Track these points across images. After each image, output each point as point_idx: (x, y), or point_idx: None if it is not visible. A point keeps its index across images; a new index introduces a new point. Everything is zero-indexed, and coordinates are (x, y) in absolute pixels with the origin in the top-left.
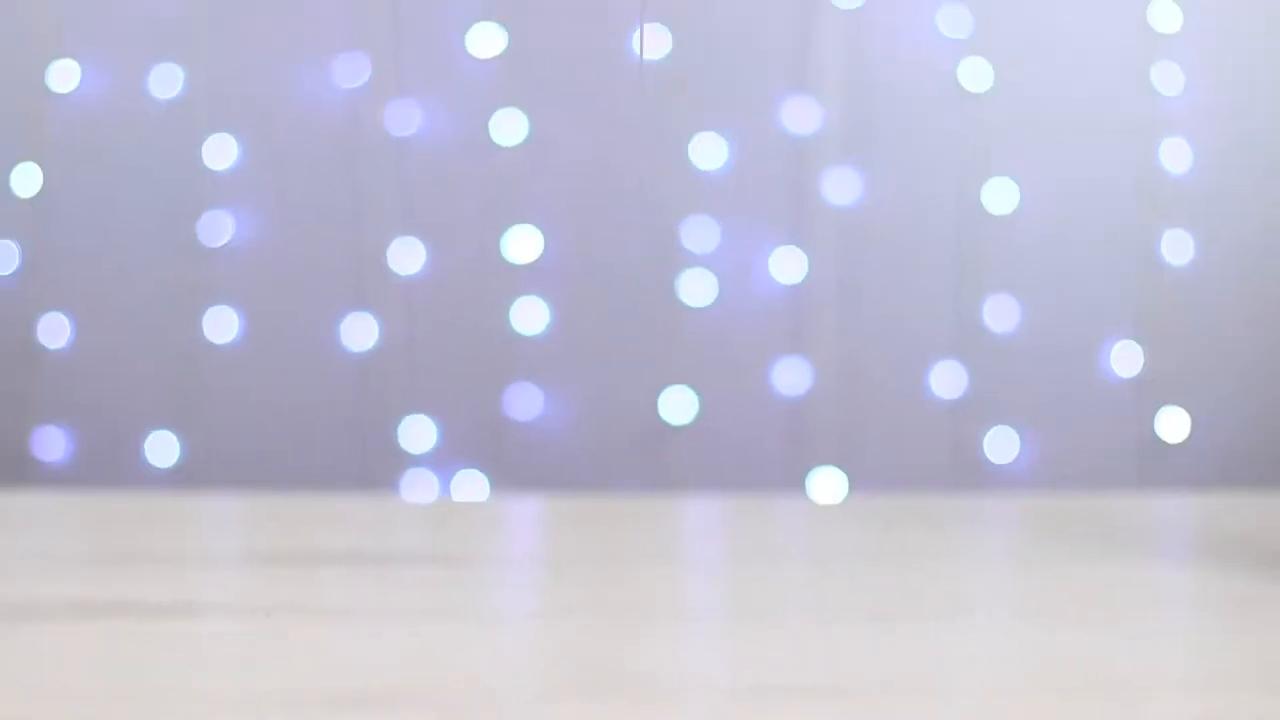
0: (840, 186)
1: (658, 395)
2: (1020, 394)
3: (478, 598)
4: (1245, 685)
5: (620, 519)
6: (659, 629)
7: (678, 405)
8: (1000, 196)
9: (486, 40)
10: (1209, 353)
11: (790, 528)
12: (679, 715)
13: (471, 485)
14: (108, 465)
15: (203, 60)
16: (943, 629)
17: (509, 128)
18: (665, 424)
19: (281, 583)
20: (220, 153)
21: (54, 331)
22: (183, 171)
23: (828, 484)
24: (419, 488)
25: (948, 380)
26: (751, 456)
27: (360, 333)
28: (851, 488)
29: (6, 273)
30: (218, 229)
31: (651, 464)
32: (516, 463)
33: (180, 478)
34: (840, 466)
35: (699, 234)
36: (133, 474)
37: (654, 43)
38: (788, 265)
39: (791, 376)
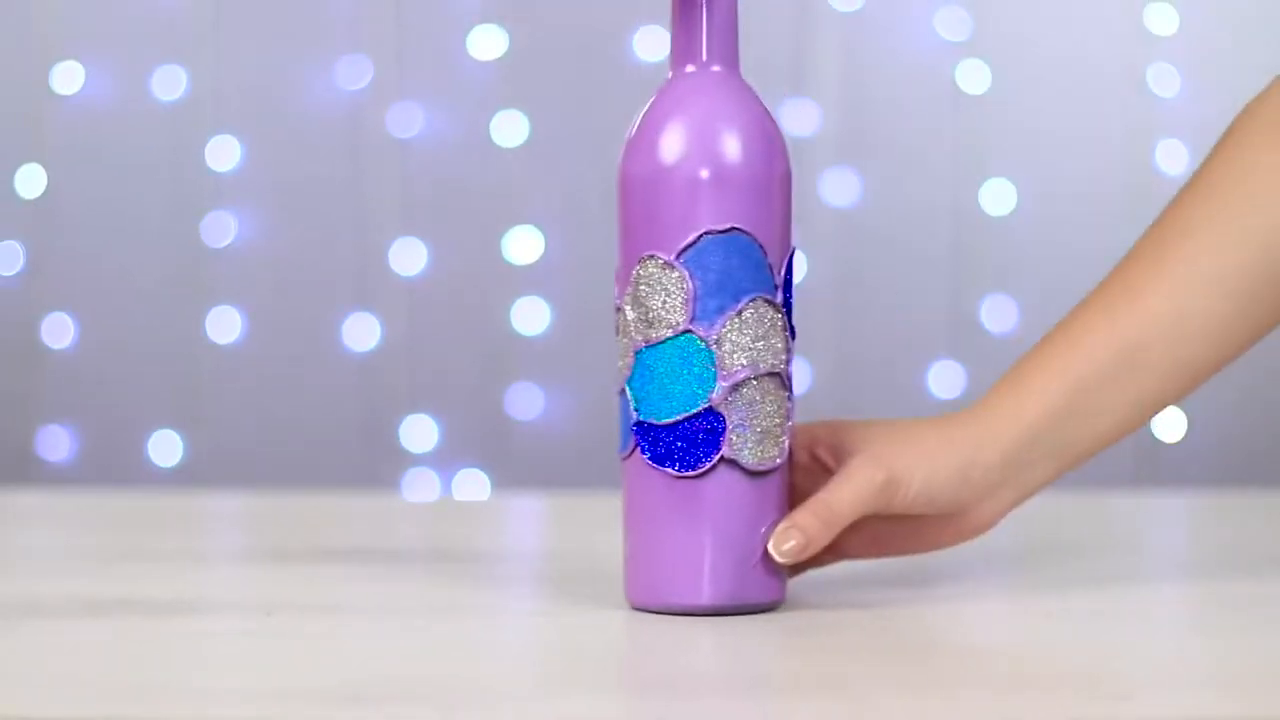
0: (838, 187)
1: None
2: None
3: (478, 596)
4: (1241, 684)
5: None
6: (659, 628)
7: None
8: (997, 197)
9: (487, 42)
10: None
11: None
12: (679, 712)
13: (472, 485)
14: (111, 464)
15: (205, 62)
16: (936, 624)
17: (510, 129)
18: None
19: (283, 581)
20: (223, 154)
21: (57, 331)
22: (185, 172)
23: None
24: (420, 487)
25: (946, 380)
26: None
27: (362, 332)
28: None
29: (10, 273)
30: (220, 229)
31: None
32: (517, 462)
33: (183, 477)
34: None
35: None
36: (136, 473)
37: (653, 45)
38: None
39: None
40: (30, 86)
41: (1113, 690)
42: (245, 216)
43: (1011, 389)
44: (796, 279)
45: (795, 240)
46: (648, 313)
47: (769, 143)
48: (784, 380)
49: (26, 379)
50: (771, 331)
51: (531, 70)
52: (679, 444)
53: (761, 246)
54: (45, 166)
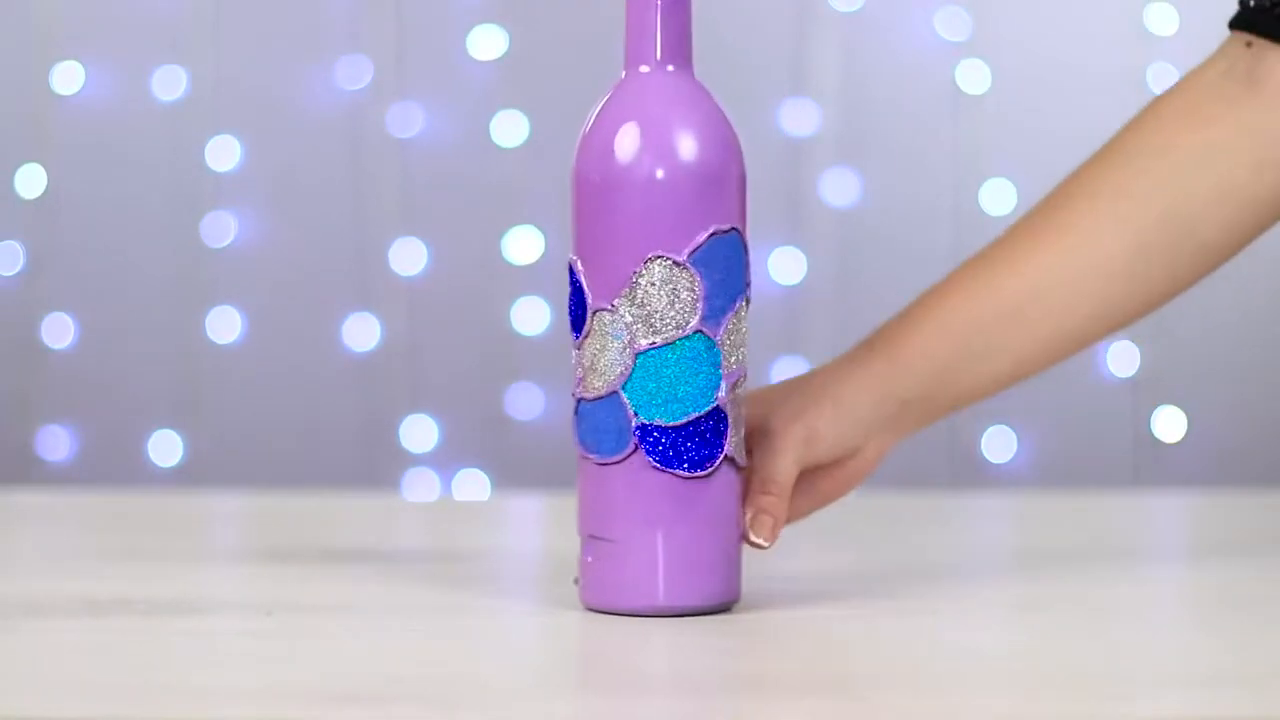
0: (838, 187)
1: None
2: (1017, 393)
3: (478, 596)
4: (1242, 683)
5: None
6: (661, 626)
7: None
8: (997, 197)
9: (487, 42)
10: (1206, 353)
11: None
12: (680, 710)
13: (472, 485)
14: (111, 464)
15: (206, 62)
16: (936, 624)
17: (510, 129)
18: None
19: (283, 580)
20: (223, 154)
21: (57, 331)
22: (186, 172)
23: None
24: (420, 487)
25: None
26: None
27: (362, 332)
28: None
29: (10, 273)
30: (220, 229)
31: None
32: (517, 462)
33: (183, 476)
34: None
35: None
36: (135, 473)
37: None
38: (786, 266)
39: (790, 376)
40: (30, 86)
41: (1113, 690)
42: (245, 216)
43: (900, 331)
44: (794, 279)
45: (794, 240)
46: (651, 315)
47: (739, 143)
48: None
49: (26, 379)
50: (747, 330)
51: (531, 70)
52: (689, 445)
53: (745, 246)
54: (45, 166)
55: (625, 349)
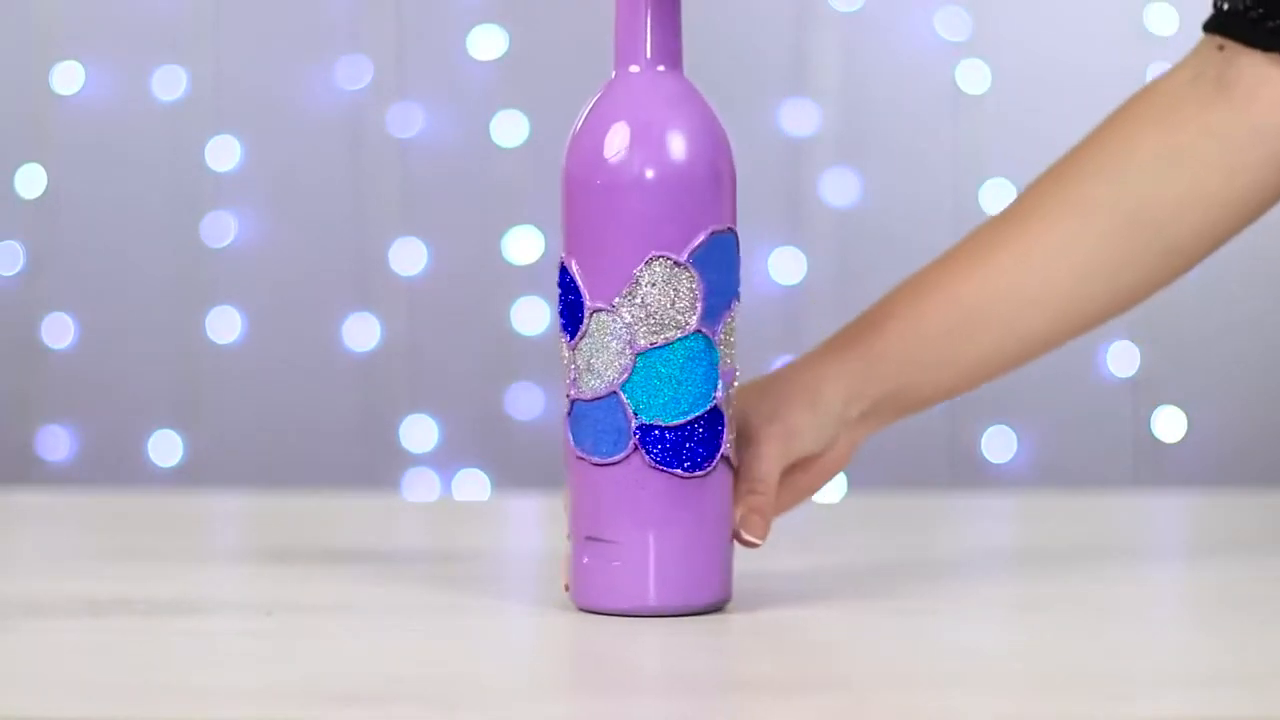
0: (838, 187)
1: None
2: (1017, 393)
3: (478, 596)
4: (1242, 683)
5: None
6: (659, 626)
7: None
8: (997, 197)
9: (487, 42)
10: (1206, 353)
11: (790, 526)
12: (679, 711)
13: (472, 484)
14: (111, 464)
15: (206, 62)
16: (936, 624)
17: (510, 129)
18: None
19: (283, 580)
20: (223, 154)
21: (57, 331)
22: (186, 172)
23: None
24: (420, 487)
25: None
26: None
27: (362, 333)
28: (849, 486)
29: (10, 273)
30: (220, 229)
31: None
32: (517, 462)
33: (183, 476)
34: None
35: None
36: (135, 473)
37: None
38: (786, 266)
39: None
40: (30, 86)
41: (1113, 690)
42: (245, 216)
43: (866, 334)
44: (794, 279)
45: (794, 240)
46: (652, 314)
47: (729, 142)
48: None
49: (26, 379)
50: (738, 329)
51: (531, 70)
52: (689, 445)
53: (738, 246)
54: (45, 166)
55: (625, 349)
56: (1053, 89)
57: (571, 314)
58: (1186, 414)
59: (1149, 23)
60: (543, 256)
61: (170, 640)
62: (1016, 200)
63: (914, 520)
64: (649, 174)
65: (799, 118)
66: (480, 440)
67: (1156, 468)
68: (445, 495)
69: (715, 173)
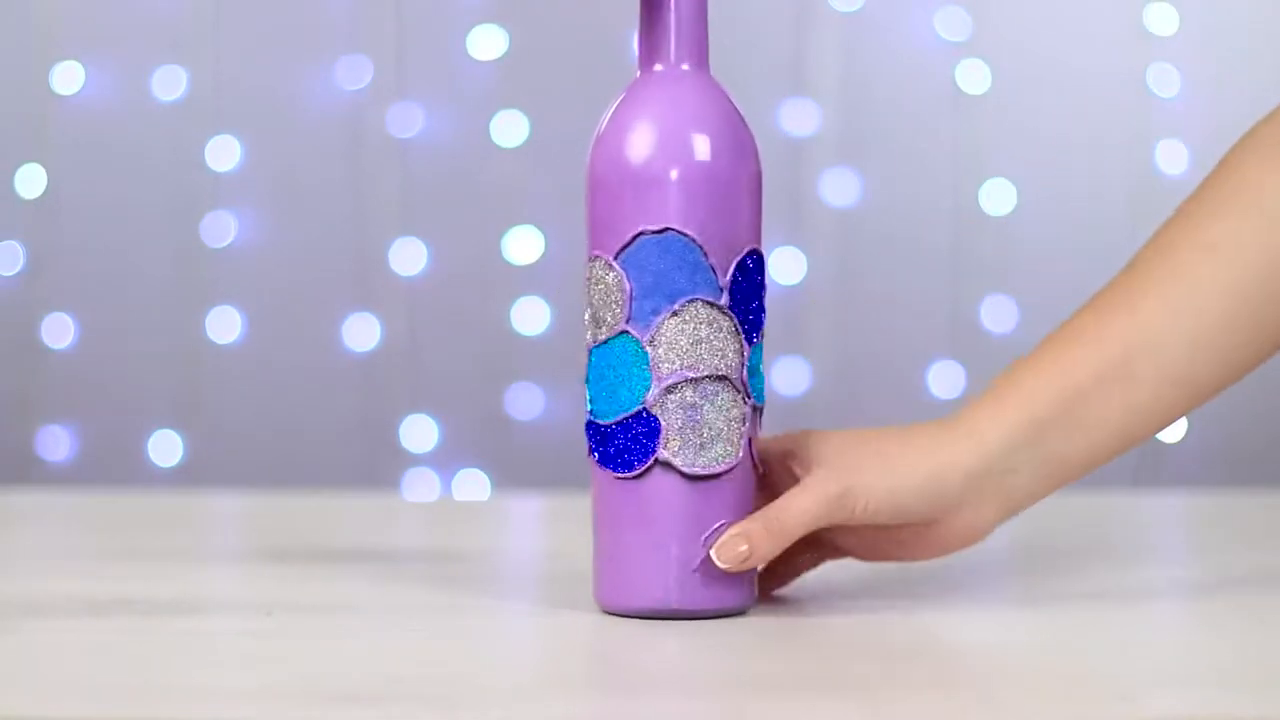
0: (838, 188)
1: None
2: None
3: (478, 596)
4: (1242, 683)
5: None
6: (659, 626)
7: None
8: (997, 198)
9: (487, 42)
10: None
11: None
12: (679, 711)
13: (472, 484)
14: (111, 464)
15: (206, 62)
16: (937, 622)
17: (510, 129)
18: None
19: (282, 580)
20: (223, 154)
21: (57, 331)
22: (185, 172)
23: None
24: (420, 487)
25: (946, 380)
26: None
27: (361, 333)
28: None
29: (10, 273)
30: (220, 229)
31: None
32: (517, 462)
33: (183, 476)
34: None
35: None
36: (135, 473)
37: None
38: (786, 266)
39: (790, 376)
40: (30, 86)
41: (1113, 690)
42: (245, 216)
43: (996, 395)
44: (794, 279)
45: (794, 240)
46: (596, 313)
47: (725, 141)
48: (735, 384)
49: (26, 379)
50: (715, 334)
51: (531, 70)
52: (619, 445)
53: (700, 247)
54: (45, 166)
55: (586, 346)
56: (1053, 89)
57: None
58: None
59: (1149, 23)
60: (543, 256)
61: (170, 640)
62: (1143, 248)
63: None
64: (595, 174)
65: (799, 118)
66: (480, 440)
67: (1156, 468)
68: (445, 495)
69: (656, 174)
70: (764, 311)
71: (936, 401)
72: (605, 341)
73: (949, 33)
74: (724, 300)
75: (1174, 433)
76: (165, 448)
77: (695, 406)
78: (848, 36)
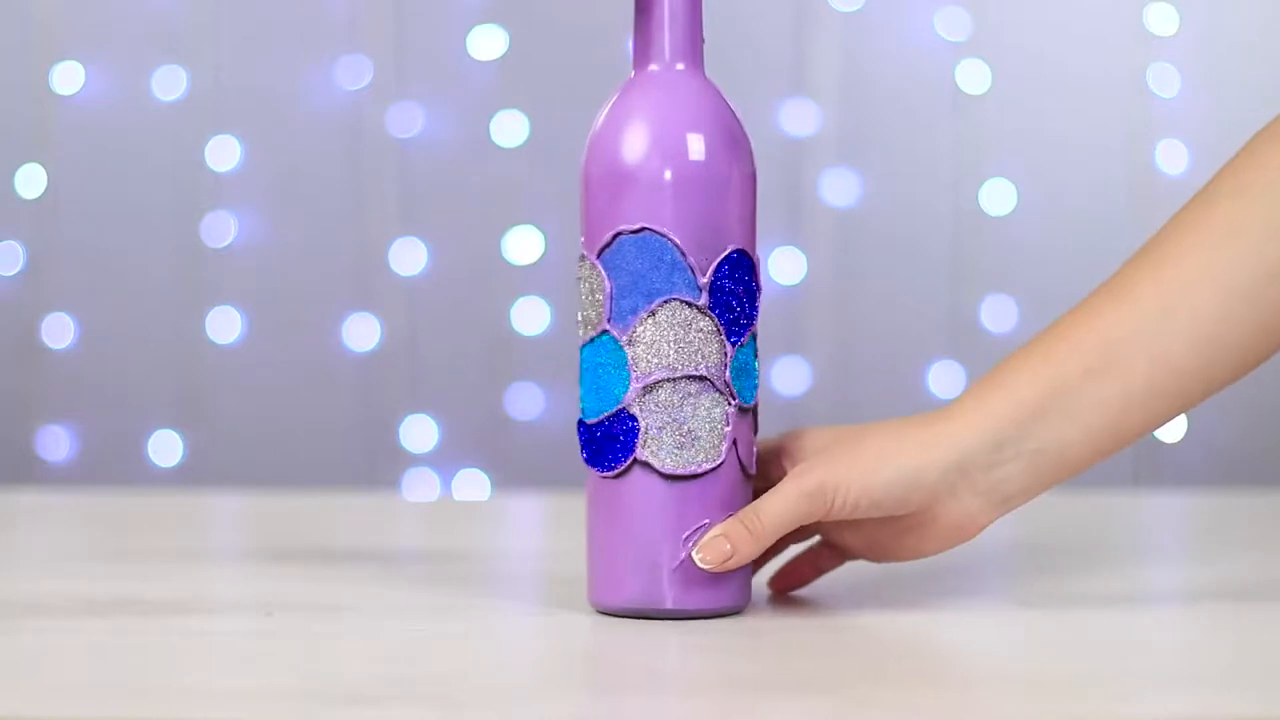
0: (838, 188)
1: None
2: None
3: (478, 596)
4: (1241, 683)
5: None
6: (657, 626)
7: None
8: (997, 198)
9: (487, 42)
10: None
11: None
12: (677, 709)
13: (472, 485)
14: (111, 464)
15: (205, 62)
16: (936, 622)
17: (510, 129)
18: None
19: (282, 580)
20: (223, 154)
21: (57, 331)
22: (185, 172)
23: None
24: (420, 487)
25: (946, 380)
26: None
27: (361, 333)
28: None
29: (10, 273)
30: (220, 230)
31: None
32: (517, 462)
33: (183, 477)
34: None
35: None
36: (136, 473)
37: None
38: (786, 266)
39: (790, 376)
40: (30, 86)
41: (1113, 690)
42: (245, 216)
43: (983, 389)
44: (794, 279)
45: (794, 240)
46: (582, 311)
47: (712, 141)
48: (717, 385)
49: (26, 379)
50: (694, 334)
51: (531, 70)
52: (601, 444)
53: (678, 247)
54: (45, 166)
55: (579, 344)
56: (1053, 89)
57: None
58: (1186, 414)
59: (1149, 23)
60: (543, 256)
61: (170, 640)
62: (1158, 232)
63: None
64: (584, 174)
65: (799, 118)
66: (480, 440)
67: (1156, 468)
68: (445, 495)
69: (637, 174)
70: (755, 311)
71: (936, 401)
72: (591, 340)
73: (949, 33)
74: (703, 300)
75: (1174, 433)
76: (165, 448)
77: (674, 406)
78: (848, 36)
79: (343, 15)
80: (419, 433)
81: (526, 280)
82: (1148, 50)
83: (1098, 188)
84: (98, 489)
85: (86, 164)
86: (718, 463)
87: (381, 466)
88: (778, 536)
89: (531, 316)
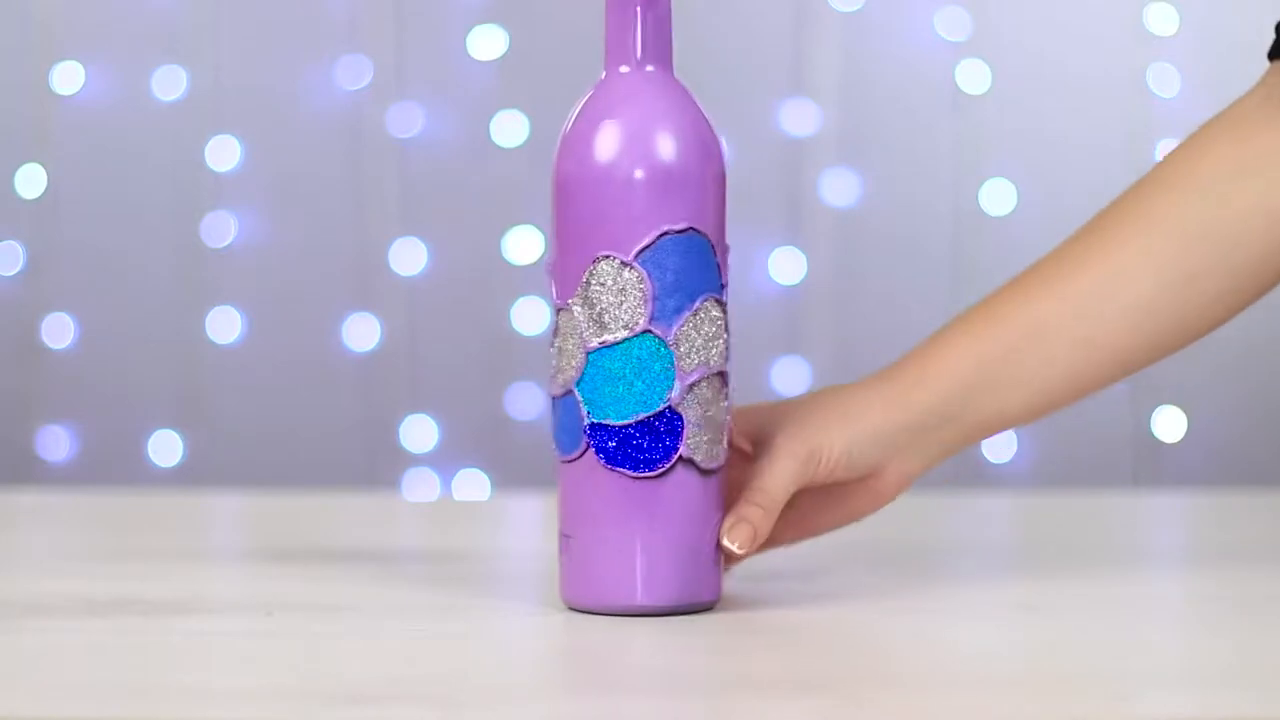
0: (838, 188)
1: None
2: None
3: (478, 596)
4: (1241, 683)
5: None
6: (659, 625)
7: None
8: (997, 198)
9: (487, 42)
10: (1205, 352)
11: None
12: (682, 710)
13: (472, 485)
14: (111, 464)
15: (205, 62)
16: (937, 624)
17: (510, 129)
18: None
19: (283, 580)
20: (223, 154)
21: (57, 331)
22: (185, 172)
23: None
24: (420, 487)
25: None
26: None
27: (361, 332)
28: None
29: (10, 273)
30: (220, 230)
31: None
32: (517, 462)
33: (183, 476)
34: None
35: None
36: (136, 473)
37: None
38: (786, 266)
39: (790, 376)
40: (30, 86)
41: (1113, 690)
42: (245, 216)
43: (924, 354)
44: (794, 279)
45: (794, 240)
46: (601, 314)
47: (713, 143)
48: (726, 379)
49: (26, 379)
50: (719, 331)
51: (531, 70)
52: (636, 445)
53: (713, 246)
54: (45, 166)
55: (579, 348)
56: (1053, 89)
57: (553, 313)
58: (1186, 414)
59: (1149, 23)
60: (543, 256)
61: (170, 640)
62: (1088, 223)
63: (914, 520)
64: (596, 173)
65: (799, 118)
66: (480, 440)
67: (1156, 468)
68: (445, 495)
69: (670, 173)
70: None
71: None
72: (618, 343)
73: (949, 33)
74: (724, 297)
75: (1174, 433)
76: (165, 448)
77: (708, 402)
78: (848, 36)
79: (343, 15)
80: (419, 433)
81: (526, 280)
82: (1148, 50)
83: (1098, 188)
84: (98, 489)
85: (86, 164)
86: (728, 455)
87: (381, 466)
88: (782, 506)
89: (531, 316)
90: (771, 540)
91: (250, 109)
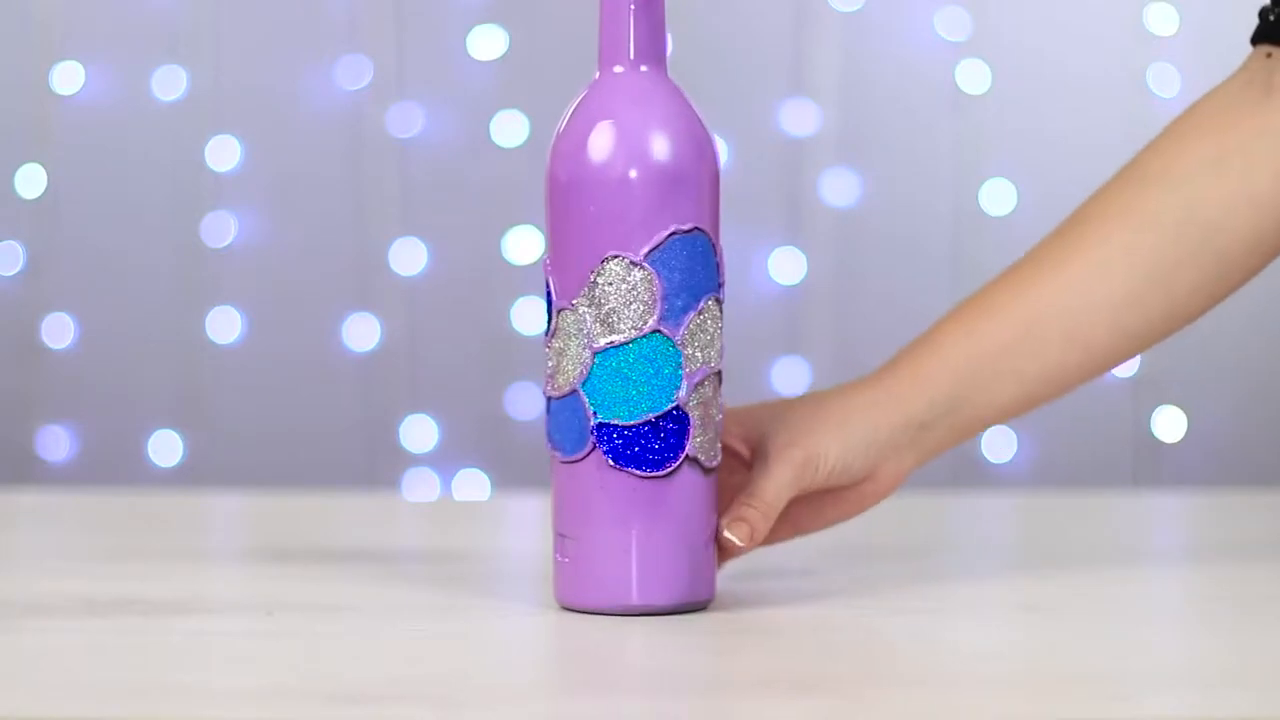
0: (838, 188)
1: None
2: None
3: (478, 596)
4: (1241, 683)
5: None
6: (658, 625)
7: None
8: (997, 198)
9: (487, 42)
10: (1206, 353)
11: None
12: (678, 709)
13: (472, 485)
14: (111, 464)
15: (205, 62)
16: (937, 624)
17: (510, 129)
18: None
19: (283, 580)
20: (223, 154)
21: (57, 331)
22: (185, 172)
23: None
24: (420, 487)
25: None
26: None
27: (361, 333)
28: None
29: (10, 273)
30: (220, 230)
31: None
32: (517, 462)
33: (183, 476)
34: None
35: None
36: (136, 473)
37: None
38: (786, 266)
39: (790, 376)
40: (30, 86)
41: (1113, 690)
42: (245, 216)
43: (917, 353)
44: (794, 279)
45: (794, 240)
46: (609, 314)
47: (711, 143)
48: (722, 377)
49: (26, 379)
50: (718, 330)
51: (531, 70)
52: (645, 444)
53: (714, 246)
54: (45, 166)
55: (584, 348)
56: (1053, 89)
57: (548, 313)
58: (1186, 414)
59: (1149, 23)
60: (543, 256)
61: (170, 640)
62: (1072, 214)
63: (914, 520)
64: (606, 174)
65: (799, 118)
66: (480, 440)
67: (1156, 468)
68: (445, 495)
69: (680, 173)
70: None
71: None
72: (627, 343)
73: (949, 33)
74: (723, 296)
75: (1174, 433)
76: (165, 448)
77: (709, 401)
78: (848, 36)
79: (343, 15)
80: (419, 433)
81: (526, 280)
82: (1148, 50)
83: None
84: (98, 489)
85: (86, 164)
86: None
87: (381, 466)
88: (779, 513)
89: (531, 316)
90: (766, 538)
91: (250, 109)
